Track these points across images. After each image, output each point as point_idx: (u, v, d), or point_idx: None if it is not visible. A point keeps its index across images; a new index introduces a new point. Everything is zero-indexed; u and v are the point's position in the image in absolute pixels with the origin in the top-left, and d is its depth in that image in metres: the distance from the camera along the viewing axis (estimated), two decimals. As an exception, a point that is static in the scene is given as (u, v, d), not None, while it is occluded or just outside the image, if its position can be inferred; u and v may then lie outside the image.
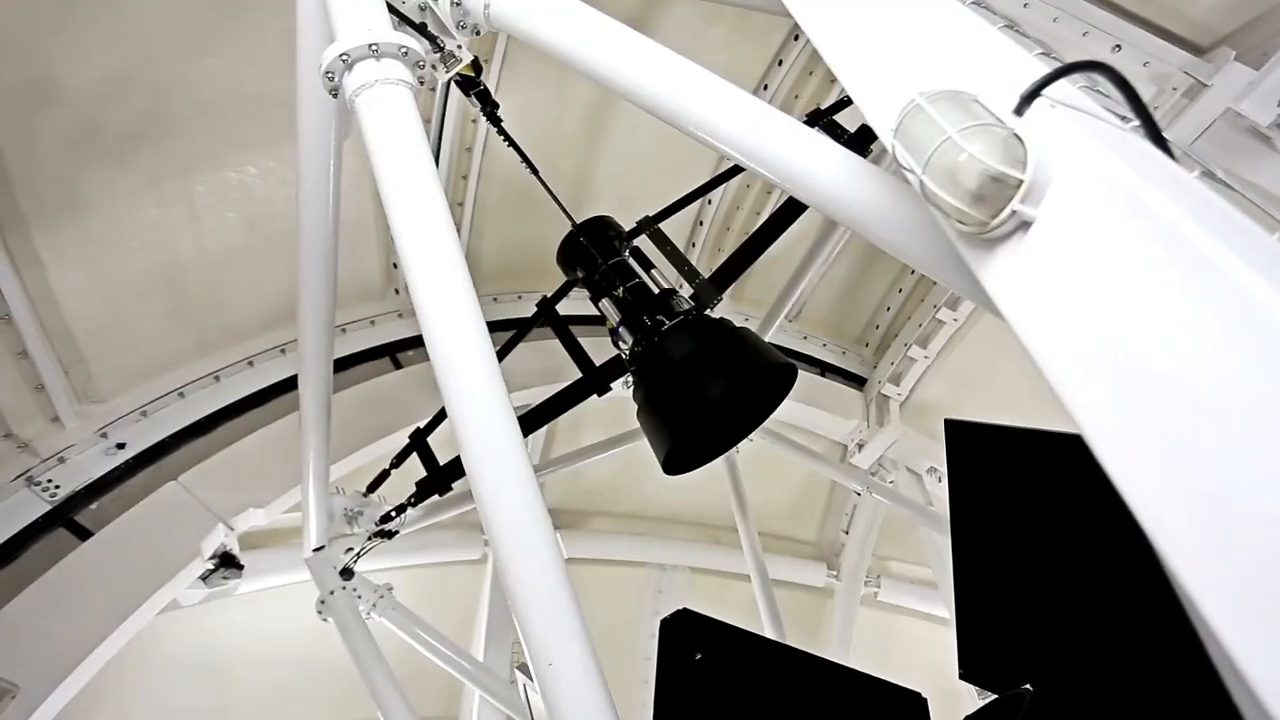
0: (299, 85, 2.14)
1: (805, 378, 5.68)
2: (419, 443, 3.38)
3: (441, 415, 3.39)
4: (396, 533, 3.57)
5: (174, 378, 3.84)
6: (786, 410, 5.54)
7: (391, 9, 1.97)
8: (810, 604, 6.05)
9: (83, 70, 2.93)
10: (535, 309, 3.29)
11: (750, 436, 3.08)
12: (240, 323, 4.08)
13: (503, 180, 4.59)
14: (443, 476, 3.29)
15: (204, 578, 3.62)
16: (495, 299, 4.86)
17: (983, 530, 2.03)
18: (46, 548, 3.23)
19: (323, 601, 3.40)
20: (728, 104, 1.56)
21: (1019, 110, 0.91)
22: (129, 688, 3.84)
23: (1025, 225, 0.85)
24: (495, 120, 2.70)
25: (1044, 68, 1.01)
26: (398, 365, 4.49)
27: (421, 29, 2.05)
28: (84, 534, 3.32)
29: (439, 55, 2.08)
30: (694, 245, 5.33)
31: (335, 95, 1.79)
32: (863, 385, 5.84)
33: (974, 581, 2.02)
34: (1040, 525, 1.94)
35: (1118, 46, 3.63)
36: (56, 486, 3.35)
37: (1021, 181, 0.84)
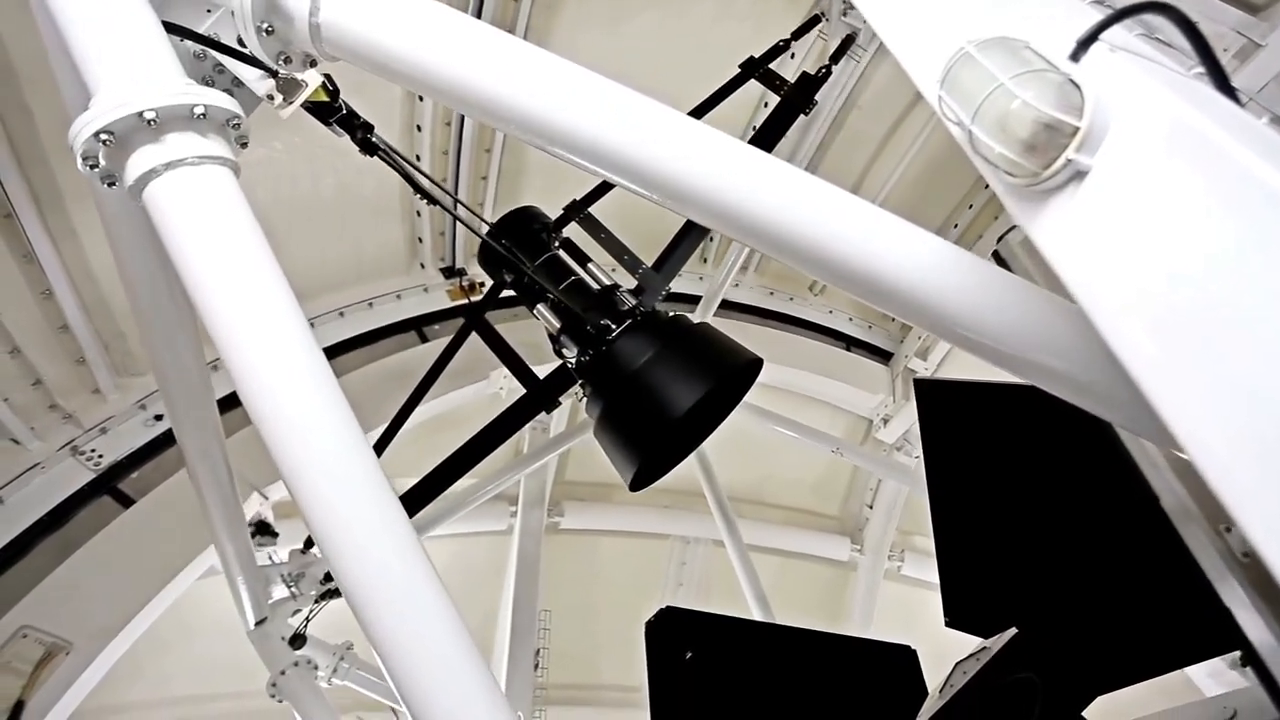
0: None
1: (830, 352, 5.62)
2: None
3: (384, 440, 2.98)
4: None
5: (208, 351, 3.91)
6: (810, 384, 5.53)
7: (175, 30, 1.36)
8: (834, 578, 6.07)
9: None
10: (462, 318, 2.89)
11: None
12: (270, 297, 4.14)
13: (527, 152, 4.57)
14: None
15: (241, 545, 3.73)
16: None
17: (957, 481, 2.06)
18: (92, 514, 3.36)
19: (274, 684, 2.97)
20: (723, 161, 1.17)
21: (1075, 56, 0.87)
22: (173, 648, 3.99)
23: (1080, 175, 0.81)
24: (370, 148, 2.20)
25: (1098, 14, 0.96)
26: (424, 339, 4.54)
27: (237, 53, 1.44)
28: (126, 501, 3.44)
29: (274, 83, 1.49)
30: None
31: (111, 185, 1.24)
32: (889, 360, 5.77)
33: (952, 531, 2.06)
34: (1009, 472, 1.98)
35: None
36: (100, 456, 3.47)
37: (1077, 129, 0.80)
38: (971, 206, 5.13)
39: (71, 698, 2.96)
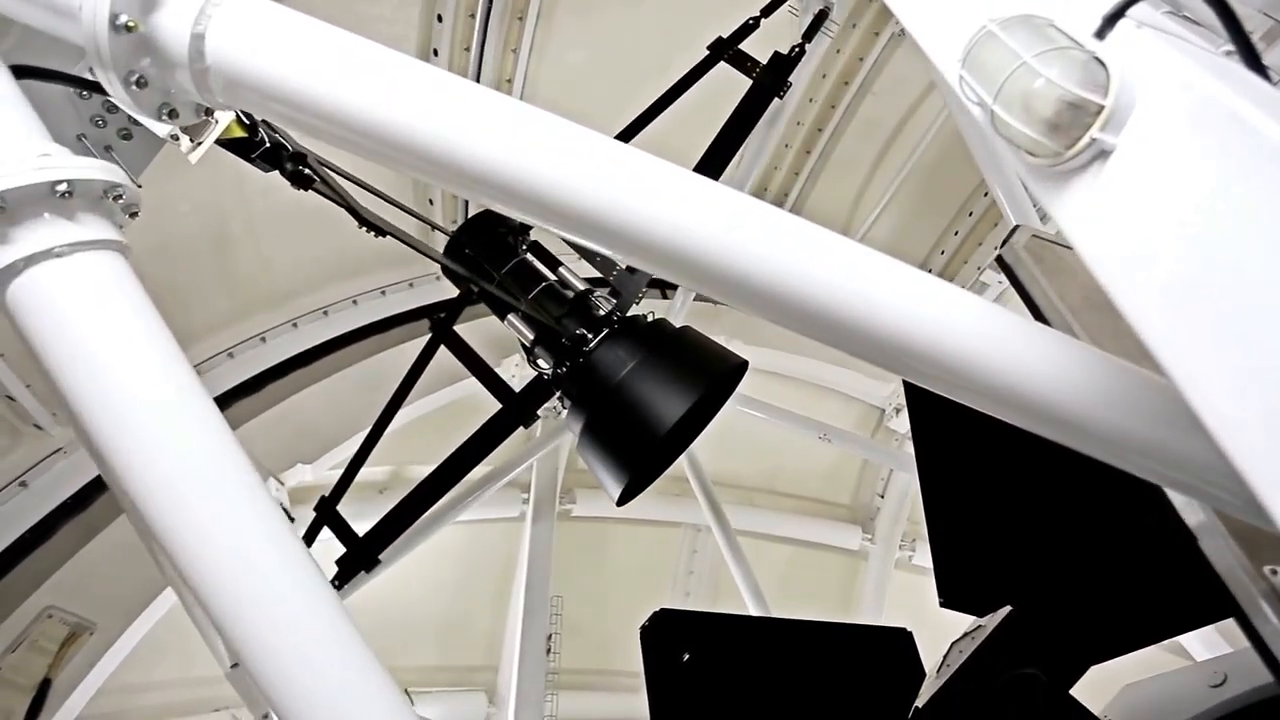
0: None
1: (842, 341, 5.60)
2: (328, 513, 2.77)
3: (348, 478, 2.85)
4: None
5: (222, 339, 3.97)
6: (821, 372, 5.51)
7: (31, 73, 1.10)
8: (845, 567, 6.08)
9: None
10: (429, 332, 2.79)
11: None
12: (285, 285, 4.18)
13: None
14: (365, 549, 2.77)
15: (258, 529, 3.78)
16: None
17: (946, 461, 2.06)
18: (114, 498, 3.40)
19: None
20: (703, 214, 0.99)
21: (1100, 33, 0.85)
22: (195, 631, 4.07)
23: (1104, 155, 0.80)
24: (302, 181, 2.00)
25: (1124, -9, 0.94)
26: (436, 327, 4.58)
27: (110, 88, 1.10)
28: (147, 486, 3.50)
29: (177, 123, 1.23)
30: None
31: None
32: (902, 349, 5.74)
33: (943, 511, 2.07)
34: (998, 449, 1.98)
35: (1190, -15, 3.39)
36: (120, 441, 3.53)
37: (1102, 107, 0.79)
38: (986, 194, 5.07)
39: (96, 676, 3.03)
